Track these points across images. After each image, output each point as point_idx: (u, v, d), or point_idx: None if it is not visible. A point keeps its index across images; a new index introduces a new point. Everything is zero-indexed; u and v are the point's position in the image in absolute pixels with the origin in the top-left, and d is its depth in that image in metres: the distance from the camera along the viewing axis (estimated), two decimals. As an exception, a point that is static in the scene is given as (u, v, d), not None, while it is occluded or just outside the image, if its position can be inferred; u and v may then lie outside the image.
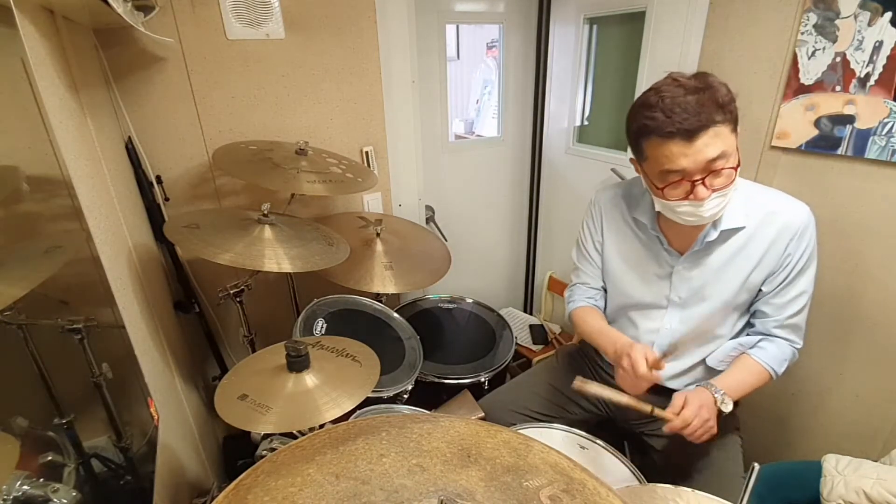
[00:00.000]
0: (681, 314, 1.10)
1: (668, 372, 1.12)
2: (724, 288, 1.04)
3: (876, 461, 1.02)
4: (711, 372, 1.12)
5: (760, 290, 1.04)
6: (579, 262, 1.26)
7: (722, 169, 0.88)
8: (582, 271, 1.25)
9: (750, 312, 1.10)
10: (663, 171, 0.91)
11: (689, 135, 0.85)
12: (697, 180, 0.89)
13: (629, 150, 1.00)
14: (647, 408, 0.98)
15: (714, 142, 0.86)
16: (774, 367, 1.04)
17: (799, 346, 1.07)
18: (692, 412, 0.96)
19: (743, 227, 1.00)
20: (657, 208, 1.00)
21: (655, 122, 0.87)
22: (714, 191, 0.89)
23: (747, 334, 1.11)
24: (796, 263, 1.00)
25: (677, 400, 0.99)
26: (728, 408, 1.00)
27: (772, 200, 1.01)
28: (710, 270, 1.04)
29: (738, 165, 0.90)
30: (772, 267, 1.01)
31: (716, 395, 1.00)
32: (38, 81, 0.74)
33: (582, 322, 1.20)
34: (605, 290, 1.24)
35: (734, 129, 0.89)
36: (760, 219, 1.00)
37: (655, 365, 0.95)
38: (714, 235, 1.01)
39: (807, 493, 1.00)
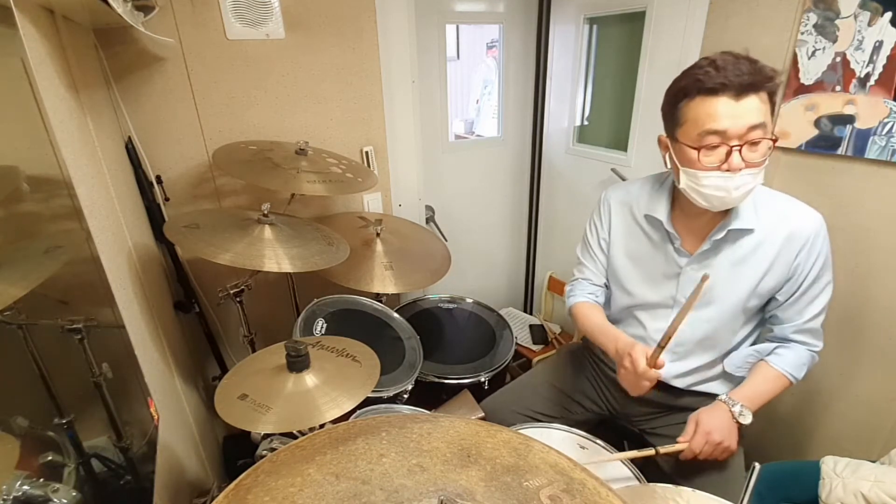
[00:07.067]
0: (688, 315, 1.09)
1: (673, 371, 1.12)
2: (732, 292, 1.03)
3: (875, 461, 1.02)
4: (716, 372, 1.12)
5: (775, 298, 1.04)
6: (583, 258, 1.25)
7: (760, 140, 0.87)
8: (585, 267, 1.24)
9: (762, 318, 1.10)
10: (702, 133, 0.88)
11: (740, 91, 0.84)
12: (735, 146, 0.87)
13: (665, 127, 0.97)
14: (650, 451, 1.01)
15: (759, 107, 0.85)
16: (793, 373, 1.04)
17: (818, 350, 1.07)
18: (699, 443, 0.98)
19: (752, 230, 0.99)
20: (681, 185, 0.96)
21: (706, 76, 0.85)
22: (747, 165, 0.88)
23: (765, 340, 1.10)
24: (809, 272, 0.99)
25: (689, 425, 1.01)
26: (747, 420, 1.00)
27: (785, 207, 1.00)
28: (718, 273, 1.03)
29: (776, 141, 0.89)
30: (783, 275, 1.00)
31: (733, 409, 1.01)
32: (38, 81, 0.74)
33: (583, 317, 1.19)
34: (607, 288, 1.24)
35: (773, 107, 0.88)
36: (771, 225, 0.99)
37: (653, 363, 0.95)
38: (722, 234, 1.00)
39: (807, 493, 1.00)
